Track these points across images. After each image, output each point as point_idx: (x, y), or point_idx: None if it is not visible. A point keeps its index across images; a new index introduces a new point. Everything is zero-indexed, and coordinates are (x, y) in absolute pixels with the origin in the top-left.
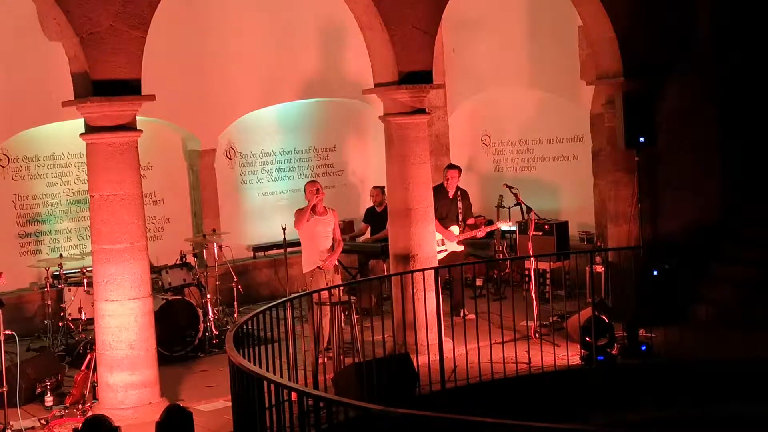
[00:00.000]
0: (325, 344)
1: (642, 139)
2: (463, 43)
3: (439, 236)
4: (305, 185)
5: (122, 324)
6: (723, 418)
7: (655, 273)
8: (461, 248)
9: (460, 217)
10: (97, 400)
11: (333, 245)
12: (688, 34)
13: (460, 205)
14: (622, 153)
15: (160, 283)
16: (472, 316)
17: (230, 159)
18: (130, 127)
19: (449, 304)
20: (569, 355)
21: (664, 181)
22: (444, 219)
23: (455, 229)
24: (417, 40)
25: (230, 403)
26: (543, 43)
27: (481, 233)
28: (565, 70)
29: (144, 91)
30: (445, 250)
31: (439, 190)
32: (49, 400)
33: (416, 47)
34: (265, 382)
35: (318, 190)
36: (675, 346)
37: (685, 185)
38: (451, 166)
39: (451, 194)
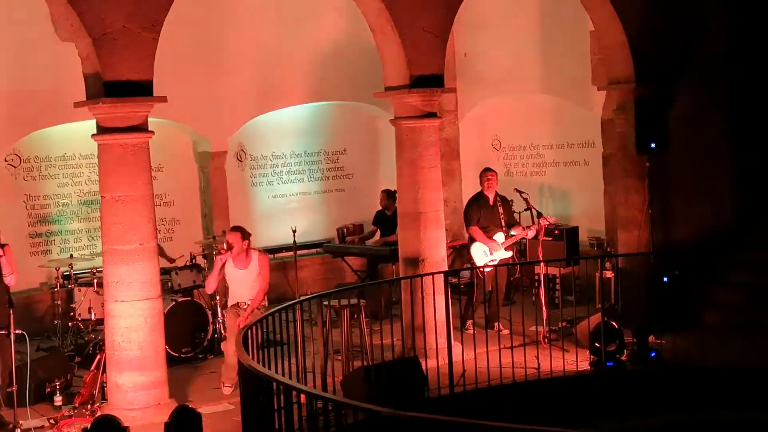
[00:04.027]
0: None
1: (653, 145)
2: (475, 47)
3: (484, 247)
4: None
5: (132, 325)
6: (733, 424)
7: (666, 279)
8: (509, 254)
9: (503, 223)
10: (106, 400)
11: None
12: (700, 39)
13: (501, 210)
14: (632, 159)
15: (169, 284)
16: (506, 331)
17: (240, 161)
18: (142, 128)
19: (472, 313)
20: (578, 360)
21: (675, 186)
22: (487, 228)
23: (501, 236)
24: (428, 43)
25: (239, 405)
26: (554, 48)
27: (532, 232)
28: (576, 75)
29: (156, 92)
30: (494, 260)
31: (479, 198)
32: (58, 399)
33: (428, 51)
34: (274, 384)
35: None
36: (684, 352)
37: (696, 191)
38: (488, 169)
39: (491, 200)
